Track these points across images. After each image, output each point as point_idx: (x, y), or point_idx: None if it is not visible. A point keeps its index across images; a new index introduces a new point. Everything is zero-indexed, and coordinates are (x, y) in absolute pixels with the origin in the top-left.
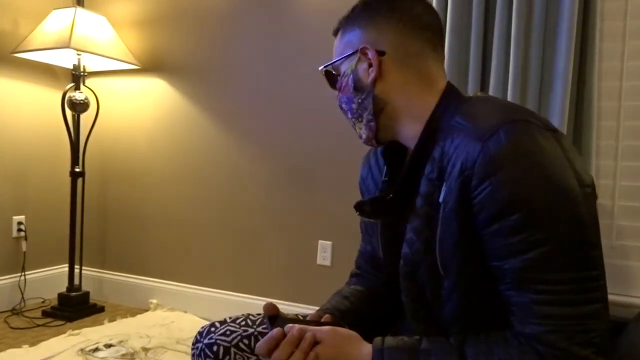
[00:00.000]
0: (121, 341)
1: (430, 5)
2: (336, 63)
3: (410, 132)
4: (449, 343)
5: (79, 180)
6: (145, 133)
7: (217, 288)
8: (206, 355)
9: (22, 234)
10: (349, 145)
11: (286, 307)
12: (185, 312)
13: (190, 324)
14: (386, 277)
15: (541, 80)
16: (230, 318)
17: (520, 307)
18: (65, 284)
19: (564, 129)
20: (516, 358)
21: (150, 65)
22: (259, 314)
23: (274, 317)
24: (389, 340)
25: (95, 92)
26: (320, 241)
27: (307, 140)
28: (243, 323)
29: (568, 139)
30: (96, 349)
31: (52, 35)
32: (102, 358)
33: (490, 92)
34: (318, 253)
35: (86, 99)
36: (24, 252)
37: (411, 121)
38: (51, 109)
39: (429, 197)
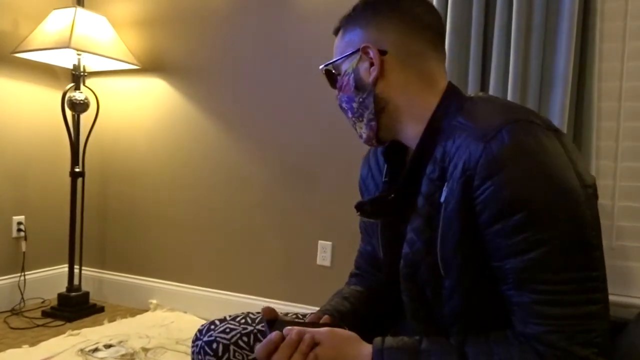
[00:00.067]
0: (121, 341)
1: (431, 5)
2: (337, 62)
3: (411, 131)
4: (449, 343)
5: (79, 180)
6: (145, 133)
7: (217, 288)
8: (206, 353)
9: (22, 234)
10: (349, 145)
11: (286, 308)
12: (185, 312)
13: (190, 325)
14: (386, 277)
15: (541, 80)
16: (230, 316)
17: (521, 307)
18: (65, 284)
19: (564, 130)
20: (517, 358)
21: (150, 65)
22: (258, 313)
23: (272, 321)
24: (389, 340)
25: (95, 92)
26: (320, 241)
27: (307, 140)
28: (243, 321)
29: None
30: (96, 349)
31: (52, 35)
32: (102, 358)
33: (490, 92)
34: (318, 253)
35: (86, 99)
36: (24, 252)
37: (412, 121)
38: (51, 109)
39: (430, 197)
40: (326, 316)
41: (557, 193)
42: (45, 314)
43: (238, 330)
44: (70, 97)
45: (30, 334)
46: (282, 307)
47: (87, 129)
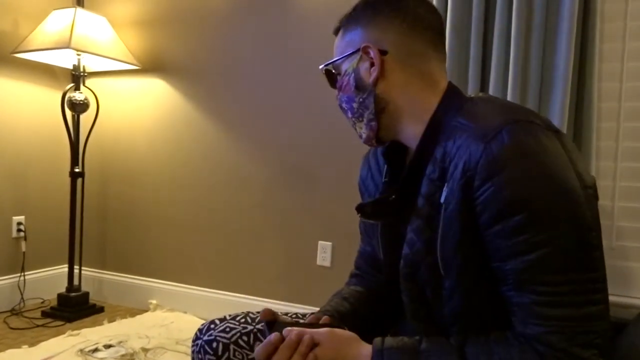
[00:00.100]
0: (120, 342)
1: (432, 5)
2: (337, 62)
3: (411, 132)
4: (449, 343)
5: (79, 181)
6: (145, 133)
7: (217, 289)
8: (206, 352)
9: (22, 234)
10: (349, 145)
11: (286, 308)
12: (185, 312)
13: (189, 325)
14: (386, 277)
15: (541, 80)
16: (229, 315)
17: (521, 307)
18: (65, 284)
19: (564, 130)
20: (517, 358)
21: (150, 66)
22: (258, 312)
23: (271, 322)
24: (389, 340)
25: (95, 93)
26: (320, 242)
27: (307, 140)
28: (242, 320)
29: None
30: (95, 350)
31: (52, 35)
32: (102, 358)
33: (490, 93)
34: (318, 254)
35: (86, 99)
36: (24, 253)
37: (413, 121)
38: (51, 109)
39: (430, 197)
40: (326, 317)
41: (558, 193)
42: (45, 314)
43: (238, 330)
44: (70, 97)
45: (30, 334)
46: (282, 307)
47: (87, 129)
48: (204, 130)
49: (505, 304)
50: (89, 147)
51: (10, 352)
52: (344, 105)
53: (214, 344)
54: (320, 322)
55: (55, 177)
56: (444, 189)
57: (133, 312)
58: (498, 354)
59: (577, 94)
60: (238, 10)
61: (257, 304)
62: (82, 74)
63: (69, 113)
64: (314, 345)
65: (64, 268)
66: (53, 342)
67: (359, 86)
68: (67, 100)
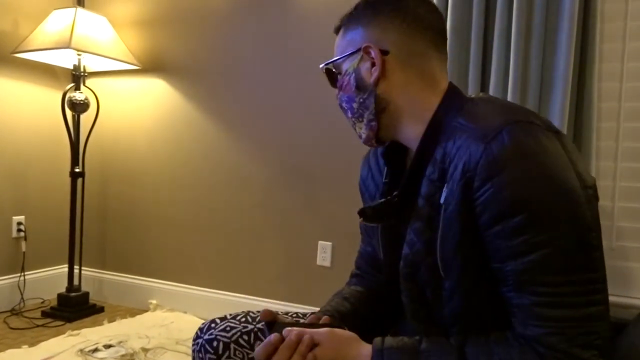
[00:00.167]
0: (120, 342)
1: (433, 5)
2: (338, 61)
3: (411, 132)
4: (449, 343)
5: (79, 181)
6: (145, 133)
7: (217, 289)
8: (206, 351)
9: (22, 234)
10: (349, 145)
11: (286, 308)
12: (185, 312)
13: (189, 325)
14: (386, 277)
15: (541, 81)
16: (230, 315)
17: (521, 308)
18: (65, 284)
19: (564, 130)
20: (517, 359)
21: (150, 66)
22: (259, 312)
23: (271, 323)
24: (389, 340)
25: (96, 93)
26: (320, 242)
27: (307, 140)
28: (243, 319)
29: (570, 139)
30: (95, 350)
31: (53, 35)
32: (102, 358)
33: (491, 93)
34: (318, 254)
35: (86, 99)
36: (24, 253)
37: (413, 121)
38: (51, 109)
39: (430, 198)
40: (326, 317)
41: (558, 194)
42: (45, 314)
43: (238, 329)
44: (70, 97)
45: (30, 334)
46: (282, 307)
47: (87, 129)
48: (204, 130)
49: (505, 305)
50: (89, 147)
51: (10, 352)
52: (344, 105)
53: (215, 343)
54: (320, 322)
55: (55, 177)
56: (444, 189)
57: (133, 312)
58: (498, 354)
59: (577, 94)
60: (238, 10)
61: (257, 304)
62: (82, 74)
63: (69, 113)
64: (313, 345)
65: (64, 268)
66: (53, 342)
67: (360, 86)
68: (68, 100)
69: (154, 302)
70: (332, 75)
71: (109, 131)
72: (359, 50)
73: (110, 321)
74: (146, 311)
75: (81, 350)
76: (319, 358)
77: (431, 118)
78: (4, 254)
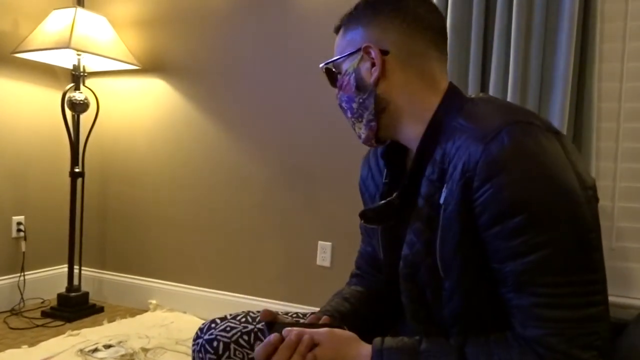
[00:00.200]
0: (120, 342)
1: (434, 5)
2: (338, 61)
3: (411, 132)
4: (449, 344)
5: (79, 181)
6: (145, 133)
7: (217, 289)
8: (206, 351)
9: (22, 234)
10: (349, 145)
11: (286, 308)
12: (185, 312)
13: (189, 325)
14: (386, 277)
15: (541, 81)
16: (230, 315)
17: (520, 309)
18: (65, 284)
19: (564, 130)
20: (517, 359)
21: (150, 66)
22: (259, 312)
23: (271, 323)
24: (389, 340)
25: (95, 93)
26: (319, 242)
27: (307, 140)
28: (243, 320)
29: (570, 140)
30: (95, 350)
31: (52, 35)
32: (102, 358)
33: (490, 93)
34: (317, 254)
35: (86, 99)
36: (24, 253)
37: (413, 121)
38: (51, 109)
39: (429, 198)
40: (325, 317)
41: (557, 194)
42: (44, 314)
43: (238, 329)
44: (70, 97)
45: (30, 334)
46: (282, 307)
47: (87, 129)
48: (204, 130)
49: (505, 306)
50: (89, 147)
51: (10, 352)
52: (343, 104)
53: (215, 343)
54: (320, 322)
55: (55, 177)
56: (444, 189)
57: (133, 312)
58: (498, 355)
59: (577, 94)
60: (238, 10)
61: (257, 304)
62: (82, 74)
63: (69, 113)
64: (313, 345)
65: (64, 268)
66: (53, 342)
67: (360, 86)
68: (67, 100)
69: (154, 302)
70: (332, 75)
71: (109, 131)
72: (359, 50)
73: (110, 321)
74: (146, 311)
75: (81, 350)
76: (319, 358)
77: (431, 118)
78: (4, 254)
